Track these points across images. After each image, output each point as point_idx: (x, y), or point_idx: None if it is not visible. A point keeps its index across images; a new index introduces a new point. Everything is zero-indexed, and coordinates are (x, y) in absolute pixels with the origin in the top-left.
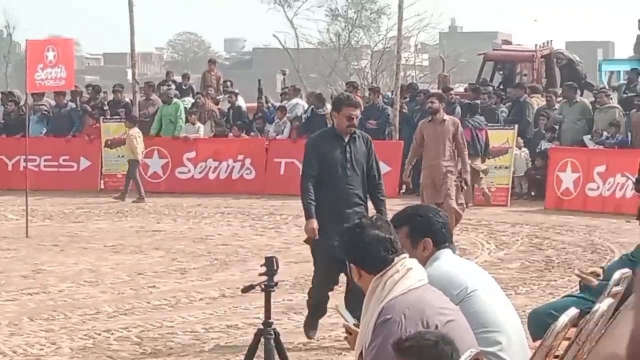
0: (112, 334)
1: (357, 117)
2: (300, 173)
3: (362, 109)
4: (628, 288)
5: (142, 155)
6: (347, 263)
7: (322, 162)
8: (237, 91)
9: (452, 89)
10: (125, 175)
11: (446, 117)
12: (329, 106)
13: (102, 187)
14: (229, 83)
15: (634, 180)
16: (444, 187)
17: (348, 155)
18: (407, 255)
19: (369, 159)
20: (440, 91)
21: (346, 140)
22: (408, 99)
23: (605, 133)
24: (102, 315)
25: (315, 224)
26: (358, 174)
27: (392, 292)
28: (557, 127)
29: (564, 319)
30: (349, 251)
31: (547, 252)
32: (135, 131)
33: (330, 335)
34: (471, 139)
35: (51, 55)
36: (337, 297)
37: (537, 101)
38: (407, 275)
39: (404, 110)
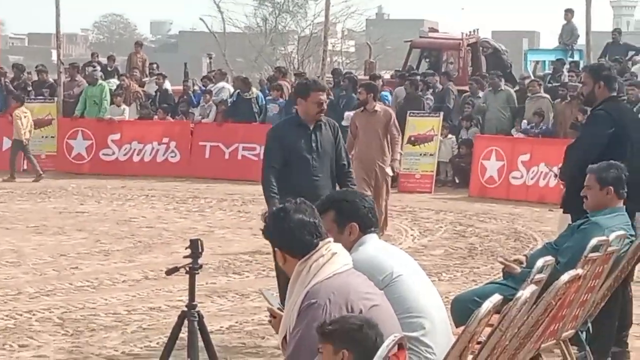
0: (34, 314)
1: (326, 102)
2: (262, 165)
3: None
4: (551, 275)
5: (29, 135)
6: (272, 248)
7: (286, 153)
8: (164, 73)
9: (381, 76)
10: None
11: (378, 107)
12: (254, 90)
13: (25, 167)
14: (155, 65)
15: (555, 172)
16: (377, 187)
17: (314, 145)
18: (331, 239)
19: (337, 147)
20: (369, 80)
21: (311, 128)
22: (333, 85)
23: (524, 122)
24: (24, 296)
25: None
26: (325, 163)
27: (317, 277)
28: (478, 116)
29: (487, 305)
30: (273, 235)
31: (470, 239)
32: (22, 111)
33: (253, 319)
34: None
35: None
36: (262, 281)
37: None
38: (332, 259)
39: (330, 97)
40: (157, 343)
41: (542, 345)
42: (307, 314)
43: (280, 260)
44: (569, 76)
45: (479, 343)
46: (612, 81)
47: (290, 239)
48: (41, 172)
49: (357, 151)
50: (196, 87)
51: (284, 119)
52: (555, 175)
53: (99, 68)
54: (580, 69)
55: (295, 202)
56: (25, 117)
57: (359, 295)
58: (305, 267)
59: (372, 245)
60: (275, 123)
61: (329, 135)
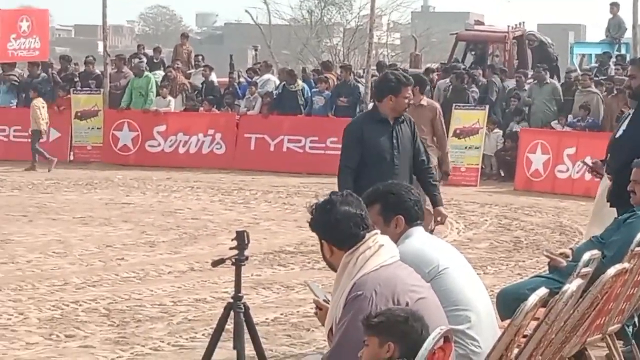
0: (80, 305)
1: (411, 97)
2: (339, 164)
3: None
4: (597, 269)
5: (45, 125)
6: (319, 240)
7: (365, 150)
8: (210, 65)
9: (434, 70)
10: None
11: (424, 101)
12: (300, 82)
13: (72, 158)
14: (200, 57)
15: (590, 165)
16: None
17: (395, 142)
18: (378, 231)
19: (415, 143)
20: (419, 73)
21: (392, 124)
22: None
23: (570, 116)
24: (70, 287)
25: None
26: (405, 161)
27: (364, 269)
28: (525, 109)
29: (534, 298)
30: (319, 227)
31: (515, 232)
32: (40, 102)
33: (298, 311)
34: None
35: (25, 25)
36: (307, 273)
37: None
38: (379, 252)
39: None
40: (203, 334)
41: (588, 339)
42: (353, 305)
43: (327, 253)
44: (615, 69)
45: (524, 337)
46: None
47: (336, 231)
48: (53, 159)
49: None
50: (242, 79)
51: (362, 114)
52: (591, 169)
53: (144, 60)
54: (627, 62)
55: (341, 194)
56: (43, 107)
57: (406, 287)
58: (352, 259)
59: (418, 238)
60: (355, 118)
61: (408, 131)
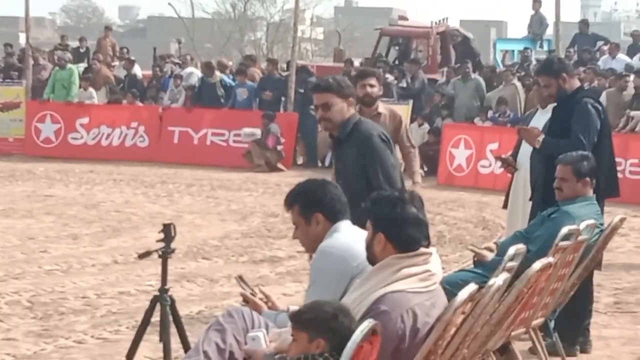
0: (3, 297)
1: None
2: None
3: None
4: (522, 264)
5: None
6: (374, 230)
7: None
8: (133, 58)
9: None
10: None
11: (382, 107)
12: (218, 74)
13: None
14: (125, 50)
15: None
16: None
17: None
18: (433, 252)
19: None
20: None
21: None
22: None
23: (490, 112)
24: None
25: None
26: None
27: (400, 284)
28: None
29: (463, 294)
30: (383, 219)
31: (439, 227)
32: None
33: (222, 304)
34: None
35: None
36: (231, 267)
37: None
38: (423, 276)
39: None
40: (127, 327)
41: (513, 333)
42: (375, 318)
43: (378, 246)
44: (536, 66)
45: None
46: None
47: (400, 229)
48: None
49: None
50: (171, 68)
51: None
52: (506, 163)
53: (68, 52)
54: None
55: (411, 196)
56: None
57: (429, 321)
58: (395, 267)
59: (345, 232)
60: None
61: None
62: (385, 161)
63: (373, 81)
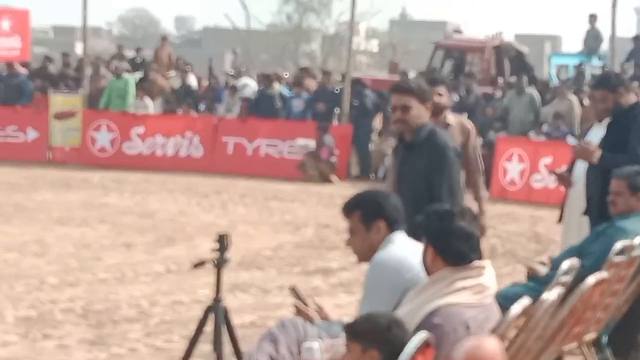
0: (57, 305)
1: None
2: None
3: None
4: (576, 278)
5: None
6: (426, 244)
7: None
8: (189, 69)
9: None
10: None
11: (451, 118)
12: (277, 86)
13: (50, 158)
14: (182, 62)
15: (559, 173)
16: None
17: None
18: (487, 265)
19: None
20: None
21: None
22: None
23: (545, 126)
24: (47, 287)
25: None
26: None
27: (455, 297)
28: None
29: (517, 308)
30: (432, 232)
31: (491, 240)
32: None
33: (275, 315)
34: None
35: (6, 25)
36: (284, 278)
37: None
38: (477, 289)
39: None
40: (180, 336)
41: (565, 348)
42: (429, 331)
43: (429, 259)
44: (591, 81)
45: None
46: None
47: (447, 243)
48: None
49: None
50: (227, 80)
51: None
52: (561, 178)
53: (126, 62)
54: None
55: (462, 210)
56: None
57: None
58: (449, 279)
59: (399, 243)
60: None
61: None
62: (453, 177)
63: (442, 90)
